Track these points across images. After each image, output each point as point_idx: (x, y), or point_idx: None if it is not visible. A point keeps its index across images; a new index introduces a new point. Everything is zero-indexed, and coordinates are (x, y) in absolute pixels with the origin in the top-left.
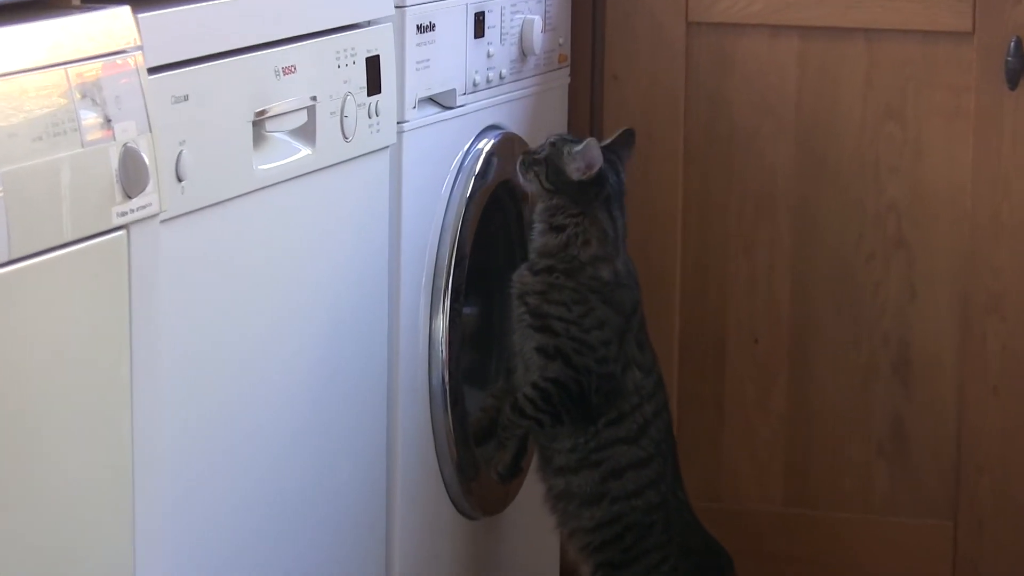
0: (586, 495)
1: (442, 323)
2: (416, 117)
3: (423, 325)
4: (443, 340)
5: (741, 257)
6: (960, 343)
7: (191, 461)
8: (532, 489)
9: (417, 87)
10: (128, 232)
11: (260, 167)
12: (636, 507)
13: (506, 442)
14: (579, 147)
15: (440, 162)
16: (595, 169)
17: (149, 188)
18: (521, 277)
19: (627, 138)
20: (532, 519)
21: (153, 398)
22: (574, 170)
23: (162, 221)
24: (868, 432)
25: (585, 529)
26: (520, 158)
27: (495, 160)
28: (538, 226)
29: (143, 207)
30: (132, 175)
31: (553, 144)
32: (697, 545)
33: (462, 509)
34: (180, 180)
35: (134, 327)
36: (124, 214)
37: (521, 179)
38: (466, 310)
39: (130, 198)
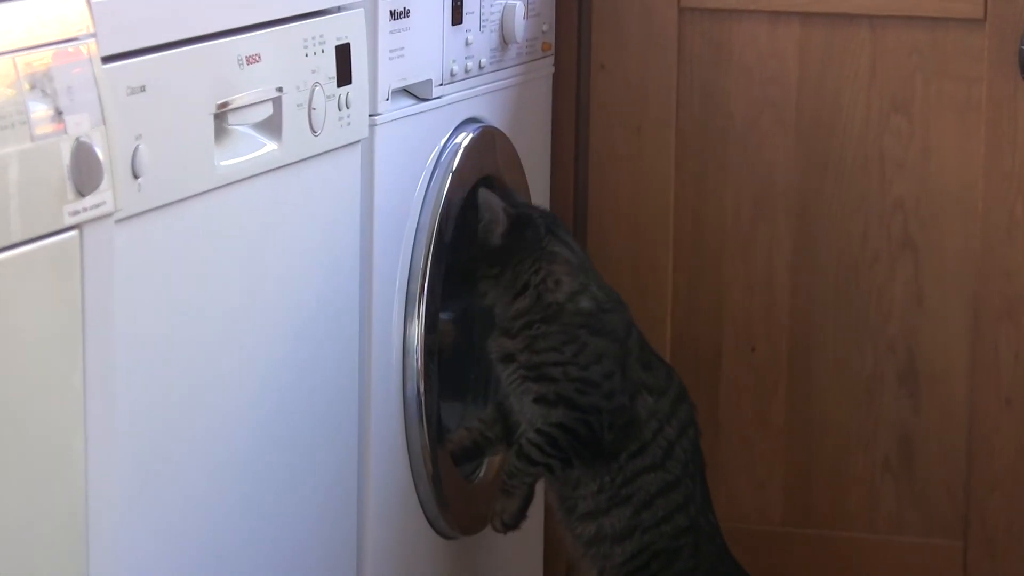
0: (618, 532)
1: (417, 330)
2: (389, 109)
3: (397, 332)
4: (418, 348)
5: (737, 259)
6: (971, 351)
7: (149, 477)
8: None
9: (390, 77)
10: (81, 232)
11: (222, 163)
12: (665, 533)
13: (513, 491)
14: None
15: (415, 157)
16: (500, 212)
17: (103, 185)
18: (499, 343)
19: (502, 188)
20: (512, 539)
21: (108, 409)
22: (492, 234)
23: (117, 221)
24: (873, 446)
25: (615, 565)
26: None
27: (474, 155)
28: (502, 300)
29: (97, 206)
30: (85, 171)
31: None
32: (725, 574)
33: (438, 528)
34: (136, 177)
35: (87, 334)
36: (76, 213)
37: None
38: (443, 316)
39: (83, 196)
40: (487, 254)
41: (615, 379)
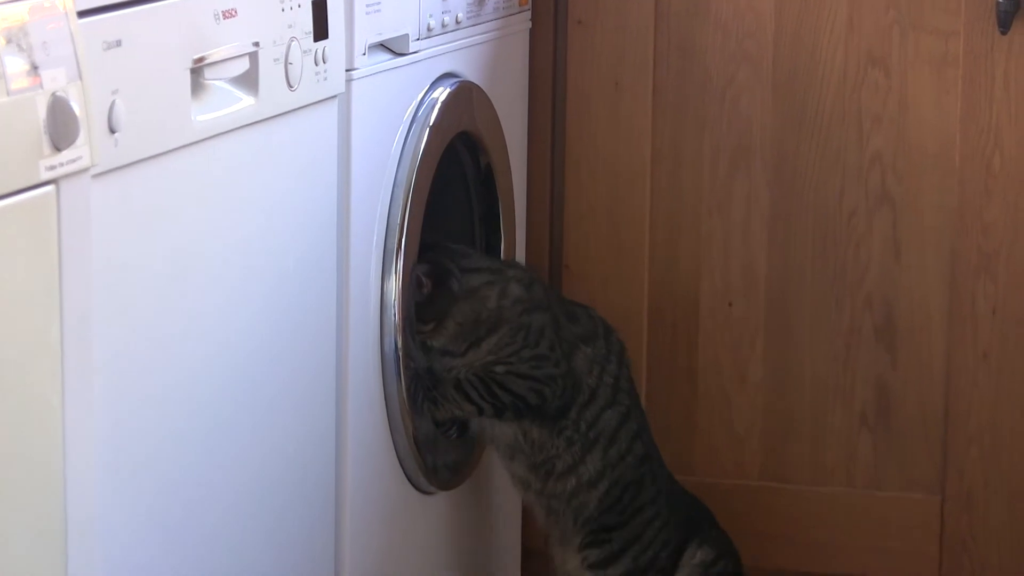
0: (593, 476)
1: (395, 285)
2: (366, 64)
3: (374, 287)
4: (396, 303)
5: (714, 214)
6: (948, 305)
7: (127, 431)
8: (491, 463)
9: (367, 32)
10: (57, 187)
11: (199, 118)
12: (630, 464)
13: (438, 413)
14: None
15: (392, 113)
16: (417, 275)
17: (79, 140)
18: (442, 363)
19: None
20: (491, 494)
21: (85, 363)
22: (419, 295)
23: (94, 176)
24: (850, 401)
25: (590, 509)
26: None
27: (451, 110)
28: (450, 342)
29: (73, 160)
30: (61, 126)
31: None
32: (680, 496)
33: (417, 484)
34: (113, 132)
35: (64, 289)
36: (53, 168)
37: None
38: (420, 268)
39: (59, 151)
40: (420, 312)
41: (557, 347)
